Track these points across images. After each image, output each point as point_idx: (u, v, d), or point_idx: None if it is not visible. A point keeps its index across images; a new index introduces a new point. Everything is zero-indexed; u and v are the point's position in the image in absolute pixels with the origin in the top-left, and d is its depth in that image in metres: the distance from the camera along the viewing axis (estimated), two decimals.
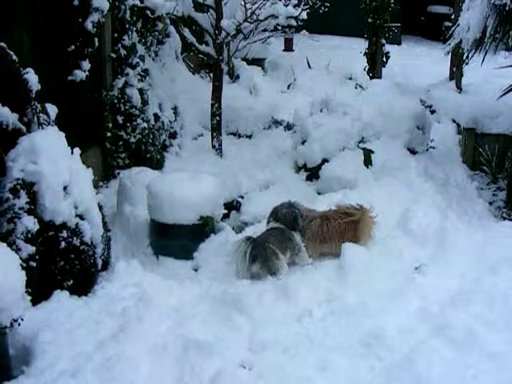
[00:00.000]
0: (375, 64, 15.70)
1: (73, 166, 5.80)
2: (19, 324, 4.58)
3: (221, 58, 9.89)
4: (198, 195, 7.11)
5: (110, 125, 9.01)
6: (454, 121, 12.70)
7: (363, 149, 9.55)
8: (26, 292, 4.64)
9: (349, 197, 8.09)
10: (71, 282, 5.62)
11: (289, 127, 11.74)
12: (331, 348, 5.18)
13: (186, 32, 10.32)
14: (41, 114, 5.81)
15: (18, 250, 5.12)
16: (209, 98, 10.19)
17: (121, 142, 9.13)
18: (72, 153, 5.91)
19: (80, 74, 7.94)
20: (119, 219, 7.66)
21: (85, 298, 5.65)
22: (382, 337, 5.23)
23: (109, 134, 9.01)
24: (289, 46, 19.37)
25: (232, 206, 8.57)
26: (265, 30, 10.70)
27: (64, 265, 5.56)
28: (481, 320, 5.38)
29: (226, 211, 7.81)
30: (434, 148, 11.05)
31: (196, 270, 6.87)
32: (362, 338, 5.26)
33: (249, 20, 9.65)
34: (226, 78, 11.87)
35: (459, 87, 15.48)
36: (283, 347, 5.21)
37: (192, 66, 12.93)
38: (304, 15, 9.74)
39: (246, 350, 5.22)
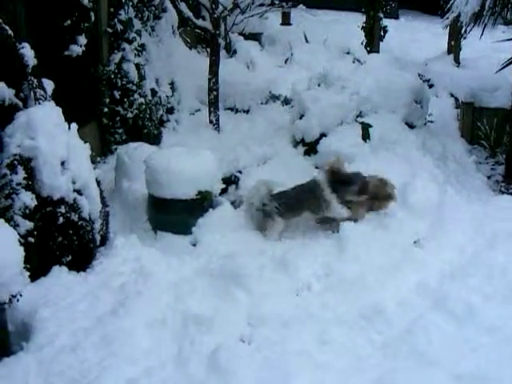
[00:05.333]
0: (373, 38, 15.59)
1: (70, 142, 5.77)
2: (18, 300, 4.59)
3: (218, 32, 9.82)
4: (196, 170, 7.08)
5: (107, 100, 9.00)
6: (452, 95, 12.67)
7: (361, 123, 9.49)
8: (25, 268, 4.64)
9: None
10: (70, 257, 5.62)
11: (286, 102, 11.68)
12: (330, 322, 5.20)
13: (183, 6, 10.24)
14: (37, 90, 5.77)
15: (16, 226, 5.12)
16: (206, 72, 10.14)
17: (118, 118, 9.11)
18: (69, 128, 5.87)
19: (76, 49, 7.90)
20: (117, 194, 7.64)
21: (83, 274, 5.64)
22: (380, 310, 5.25)
23: (106, 110, 8.99)
24: (286, 21, 19.21)
25: (230, 181, 8.54)
26: (262, 5, 10.57)
27: (62, 240, 5.56)
28: (479, 293, 5.41)
29: (224, 186, 7.79)
30: (432, 122, 10.99)
31: (194, 245, 6.86)
32: (361, 311, 5.29)
33: None
34: (223, 52, 11.79)
35: (457, 61, 15.44)
36: (282, 321, 5.23)
37: (189, 40, 12.86)
38: None
39: (245, 324, 5.25)
